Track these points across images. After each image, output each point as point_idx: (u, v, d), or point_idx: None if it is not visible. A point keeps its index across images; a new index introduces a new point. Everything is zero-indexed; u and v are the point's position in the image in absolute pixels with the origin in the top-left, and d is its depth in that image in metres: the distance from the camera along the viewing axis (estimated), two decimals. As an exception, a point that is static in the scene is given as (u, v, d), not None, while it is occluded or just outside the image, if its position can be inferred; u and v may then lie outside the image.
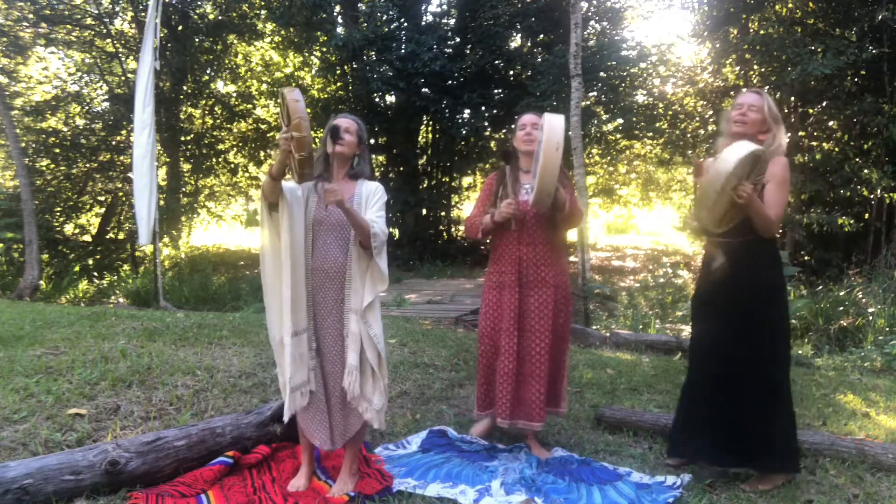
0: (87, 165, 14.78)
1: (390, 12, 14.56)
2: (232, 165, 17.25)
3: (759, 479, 2.75)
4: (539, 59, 14.17)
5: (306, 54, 15.84)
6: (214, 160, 16.71)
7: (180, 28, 14.70)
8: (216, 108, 16.53)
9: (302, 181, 2.45)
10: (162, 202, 13.00)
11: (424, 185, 16.66)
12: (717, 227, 2.63)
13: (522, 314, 3.02)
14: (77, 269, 12.39)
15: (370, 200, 2.66)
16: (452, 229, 17.13)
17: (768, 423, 2.68)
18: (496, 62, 15.03)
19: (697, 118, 14.10)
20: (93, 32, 14.55)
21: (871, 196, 10.70)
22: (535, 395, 2.99)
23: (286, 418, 2.57)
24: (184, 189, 16.01)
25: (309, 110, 16.32)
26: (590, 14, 15.06)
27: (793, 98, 12.41)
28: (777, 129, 2.71)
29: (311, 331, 2.60)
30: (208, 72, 16.16)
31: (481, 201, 3.20)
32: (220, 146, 16.96)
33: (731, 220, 2.63)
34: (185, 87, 15.32)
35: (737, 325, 2.71)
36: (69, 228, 14.94)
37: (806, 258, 11.74)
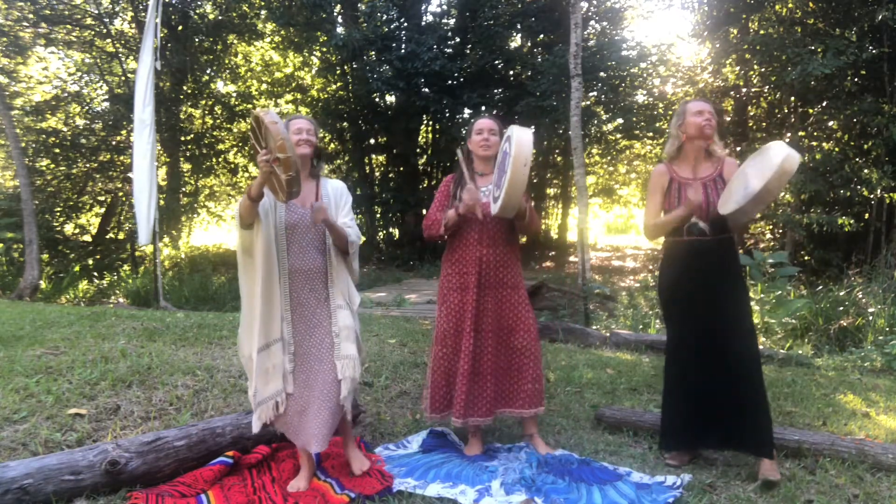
0: (87, 165, 14.79)
1: (390, 12, 14.56)
2: (232, 165, 17.26)
3: (768, 469, 2.76)
4: (539, 59, 14.18)
5: (306, 54, 15.84)
6: (214, 160, 16.71)
7: (180, 28, 14.71)
8: (216, 108, 16.53)
9: (289, 199, 2.47)
10: (162, 202, 13.00)
11: (424, 185, 16.65)
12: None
13: (478, 314, 3.06)
14: (77, 269, 12.37)
15: (339, 202, 2.78)
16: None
17: (755, 407, 2.83)
18: (496, 62, 15.03)
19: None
20: (93, 32, 14.56)
21: (871, 196, 10.68)
22: (488, 392, 3.05)
23: (256, 430, 2.62)
24: (184, 189, 16.02)
25: (307, 110, 16.33)
26: (590, 14, 15.07)
27: (793, 98, 12.41)
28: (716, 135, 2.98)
29: (289, 335, 2.62)
30: (208, 72, 16.16)
31: (439, 203, 3.20)
32: (220, 146, 16.97)
33: None
34: (185, 87, 15.32)
35: (723, 317, 2.87)
36: (69, 228, 14.95)
37: (806, 258, 11.74)
